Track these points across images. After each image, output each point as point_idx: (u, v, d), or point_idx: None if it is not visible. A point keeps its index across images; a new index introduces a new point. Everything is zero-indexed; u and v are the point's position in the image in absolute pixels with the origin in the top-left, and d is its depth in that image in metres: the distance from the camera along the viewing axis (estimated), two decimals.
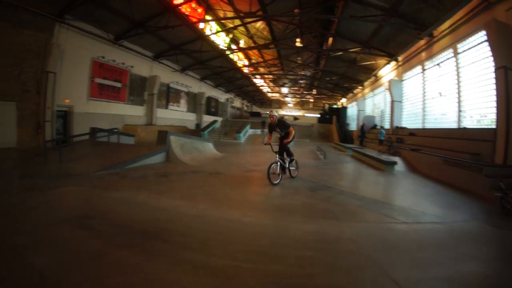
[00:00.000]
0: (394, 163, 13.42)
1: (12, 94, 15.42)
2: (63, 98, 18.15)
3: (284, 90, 55.20)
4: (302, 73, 37.96)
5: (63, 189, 7.40)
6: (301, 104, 73.40)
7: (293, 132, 10.04)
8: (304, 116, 69.89)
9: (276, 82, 49.44)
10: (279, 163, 9.50)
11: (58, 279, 3.21)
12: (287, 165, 10.15)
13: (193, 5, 21.70)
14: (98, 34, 20.08)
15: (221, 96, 49.10)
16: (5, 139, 15.09)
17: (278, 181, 9.25)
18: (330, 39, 23.79)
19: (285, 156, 10.16)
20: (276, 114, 10.29)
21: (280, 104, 74.79)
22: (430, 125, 17.90)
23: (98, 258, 3.68)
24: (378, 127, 27.08)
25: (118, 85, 23.54)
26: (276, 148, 9.99)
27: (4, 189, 7.51)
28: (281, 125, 10.05)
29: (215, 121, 39.31)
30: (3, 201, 6.43)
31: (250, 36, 27.91)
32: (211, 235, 4.72)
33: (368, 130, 28.34)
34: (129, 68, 24.44)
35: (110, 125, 19.88)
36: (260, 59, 36.59)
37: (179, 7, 20.35)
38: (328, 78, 38.67)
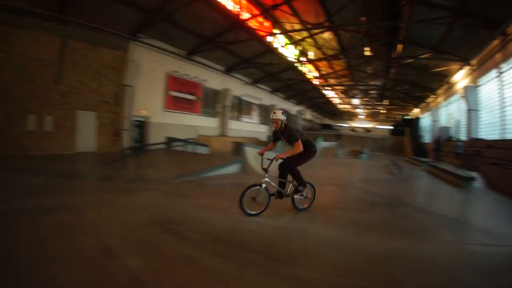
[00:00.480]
0: (472, 178, 12.37)
1: (93, 105, 17.94)
2: (139, 109, 19.94)
3: (355, 101, 53.87)
4: (373, 83, 37.11)
5: (146, 193, 7.84)
6: (373, 116, 70.91)
7: (300, 147, 6.72)
8: (376, 128, 67.63)
9: (347, 93, 48.40)
10: (264, 188, 6.68)
11: (155, 285, 3.20)
12: (287, 193, 7.09)
13: (260, 19, 22.15)
14: (171, 50, 21.75)
15: (292, 108, 49.00)
16: (86, 144, 17.71)
17: (258, 212, 6.57)
18: (399, 46, 23.05)
19: (291, 180, 7.17)
20: (282, 117, 6.89)
21: (351, 116, 72.97)
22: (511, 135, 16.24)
23: (192, 265, 3.69)
24: (453, 139, 25.58)
25: (192, 97, 24.86)
26: (268, 164, 6.99)
27: (89, 189, 8.29)
28: (288, 134, 6.91)
29: None
30: (92, 200, 6.94)
31: (318, 47, 27.68)
32: (296, 247, 4.68)
33: (444, 143, 26.66)
34: (202, 82, 25.73)
35: (184, 135, 21.02)
36: (330, 70, 36.09)
37: (247, 22, 20.83)
38: (399, 88, 37.07)
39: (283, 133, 6.99)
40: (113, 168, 13.09)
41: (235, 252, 4.23)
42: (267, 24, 22.91)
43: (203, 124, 26.82)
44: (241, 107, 33.47)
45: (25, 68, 15.55)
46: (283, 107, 42.03)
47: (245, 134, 32.44)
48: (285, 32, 24.08)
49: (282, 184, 7.15)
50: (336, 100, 55.07)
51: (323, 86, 41.35)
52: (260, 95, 37.02)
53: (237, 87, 31.00)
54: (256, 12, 20.97)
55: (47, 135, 16.66)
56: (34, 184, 8.85)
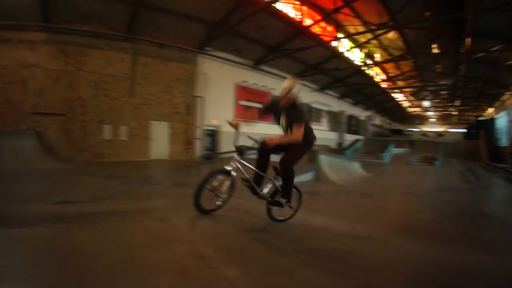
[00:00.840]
0: None
1: (166, 115, 18.92)
2: (210, 118, 20.44)
3: (425, 103, 51.60)
4: (442, 82, 35.28)
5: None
6: (444, 118, 66.28)
7: (301, 134, 4.89)
8: (448, 131, 63.92)
9: (416, 95, 46.37)
10: (232, 175, 5.07)
11: None
12: (263, 194, 5.35)
13: (323, 24, 21.96)
14: (238, 61, 22.15)
15: (361, 114, 47.75)
16: (160, 152, 18.66)
17: (213, 209, 5.26)
18: (467, 40, 21.41)
19: (276, 179, 5.50)
20: (295, 87, 5.05)
21: (422, 119, 69.18)
22: None
23: (290, 276, 3.41)
24: None
25: (261, 106, 24.98)
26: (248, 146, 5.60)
27: (167, 195, 8.51)
28: (294, 113, 5.05)
29: (357, 140, 38.58)
30: (173, 206, 6.82)
31: (384, 48, 27.04)
32: (379, 258, 4.41)
33: None
34: (271, 90, 25.74)
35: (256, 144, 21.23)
36: (398, 72, 34.84)
37: (310, 28, 20.72)
38: (471, 86, 34.11)
39: (288, 111, 5.14)
40: (187, 175, 13.38)
41: (326, 262, 3.94)
42: (330, 28, 22.67)
43: (273, 132, 26.17)
44: (310, 114, 32.95)
45: (100, 83, 17.33)
46: (352, 113, 41.92)
47: (318, 141, 31.76)
48: (349, 36, 23.68)
49: (258, 179, 5.36)
50: (405, 103, 53.03)
51: (392, 89, 40.02)
52: (328, 101, 36.31)
53: (306, 94, 30.50)
54: (318, 17, 20.77)
55: (122, 144, 18.17)
56: (112, 188, 9.29)
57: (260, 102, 24.60)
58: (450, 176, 17.30)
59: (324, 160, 14.18)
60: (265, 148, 5.30)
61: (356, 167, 16.73)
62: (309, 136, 5.22)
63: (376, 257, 4.37)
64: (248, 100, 24.21)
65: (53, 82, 16.41)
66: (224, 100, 22.37)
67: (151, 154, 18.90)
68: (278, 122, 5.44)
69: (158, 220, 5.00)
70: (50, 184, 10.11)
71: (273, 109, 5.49)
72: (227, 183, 5.09)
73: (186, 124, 19.84)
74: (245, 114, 23.54)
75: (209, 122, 20.71)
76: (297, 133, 4.86)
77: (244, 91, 23.90)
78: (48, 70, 16.33)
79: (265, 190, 5.38)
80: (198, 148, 19.94)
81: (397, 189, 11.86)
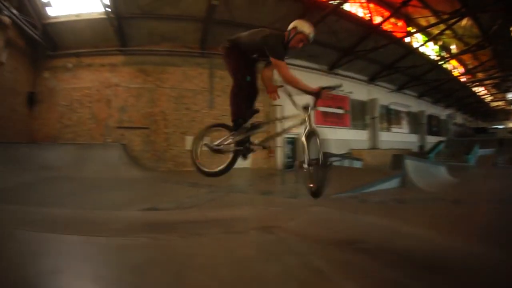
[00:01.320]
0: None
1: None
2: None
3: (510, 95, 47.89)
4: None
5: (314, 208, 7.09)
6: None
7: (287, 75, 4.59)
8: None
9: (498, 87, 43.05)
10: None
11: None
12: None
13: (393, 20, 21.45)
14: (313, 67, 21.95)
15: (441, 113, 44.72)
16: (242, 161, 17.64)
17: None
18: None
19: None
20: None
21: (507, 114, 61.18)
22: None
23: None
24: None
25: (341, 111, 24.72)
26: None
27: (255, 203, 8.55)
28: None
29: (440, 142, 36.90)
30: (265, 215, 6.87)
31: (459, 37, 25.28)
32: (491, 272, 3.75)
33: None
34: (348, 94, 25.42)
35: (337, 149, 20.81)
36: (476, 63, 32.34)
37: (381, 26, 20.33)
38: None
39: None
40: (271, 183, 13.48)
41: (433, 277, 3.45)
42: (400, 24, 22.15)
43: (353, 137, 26.19)
44: (389, 117, 31.75)
45: (180, 98, 18.34)
46: (431, 112, 39.89)
47: (396, 145, 29.88)
48: (421, 29, 22.88)
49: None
50: (487, 97, 49.68)
51: (471, 82, 37.49)
52: (407, 102, 34.33)
53: (383, 96, 29.63)
54: (386, 14, 20.35)
55: (204, 153, 17.75)
56: (198, 196, 9.80)
57: (339, 107, 24.50)
58: None
59: (411, 165, 13.27)
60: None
61: (442, 172, 15.55)
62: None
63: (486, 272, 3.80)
64: (328, 106, 23.78)
65: (135, 99, 18.00)
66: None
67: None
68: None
69: (265, 231, 4.67)
70: (137, 192, 10.62)
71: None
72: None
73: (266, 133, 19.18)
74: (325, 119, 23.41)
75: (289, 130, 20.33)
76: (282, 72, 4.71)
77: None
78: (129, 89, 18.04)
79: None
80: (279, 156, 19.86)
81: (488, 196, 10.70)
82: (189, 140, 17.60)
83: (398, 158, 13.94)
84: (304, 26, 4.51)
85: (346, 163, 17.00)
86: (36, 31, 16.26)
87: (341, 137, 24.09)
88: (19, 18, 14.82)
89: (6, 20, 13.83)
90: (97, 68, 18.37)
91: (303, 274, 3.24)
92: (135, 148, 17.52)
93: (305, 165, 4.47)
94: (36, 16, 16.08)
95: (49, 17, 16.80)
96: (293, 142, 21.18)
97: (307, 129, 4.61)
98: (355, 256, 3.93)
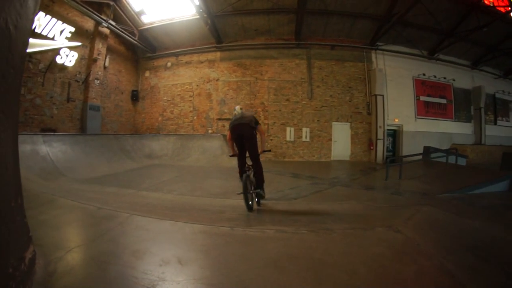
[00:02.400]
0: None
1: (346, 116, 19.04)
2: (392, 117, 19.53)
3: None
4: None
5: (422, 208, 6.49)
6: None
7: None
8: None
9: None
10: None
11: None
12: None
13: None
14: (412, 53, 20.44)
15: None
16: (342, 153, 19.01)
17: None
18: None
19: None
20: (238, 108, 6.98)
21: None
22: None
23: None
24: None
25: (443, 101, 22.89)
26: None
27: (364, 199, 8.18)
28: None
29: None
30: (381, 214, 6.40)
31: None
32: None
33: None
34: (451, 82, 23.75)
35: (438, 144, 19.58)
36: None
37: (481, 1, 17.91)
38: None
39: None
40: (374, 178, 12.83)
41: None
42: None
43: (456, 130, 23.48)
44: (496, 107, 27.00)
45: (280, 89, 18.79)
46: None
47: (504, 141, 25.97)
48: None
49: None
50: None
51: None
52: None
53: (489, 83, 25.61)
54: None
55: (304, 144, 19.02)
56: (301, 187, 9.77)
57: (441, 96, 22.91)
58: None
59: None
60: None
61: None
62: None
63: None
64: (429, 95, 21.91)
65: (235, 92, 18.86)
66: (404, 96, 20.76)
67: (333, 155, 19.04)
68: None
69: (391, 229, 4.56)
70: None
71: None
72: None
73: (367, 124, 19.42)
74: (426, 110, 21.99)
75: (390, 121, 19.68)
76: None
77: (423, 85, 21.82)
78: (229, 82, 18.89)
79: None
80: (380, 149, 18.92)
81: None
82: (289, 131, 18.28)
83: (509, 157, 12.62)
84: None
85: (451, 159, 15.79)
86: (134, 37, 18.16)
87: (444, 130, 22.22)
88: (117, 28, 16.72)
89: (106, 30, 16.26)
90: (195, 65, 19.63)
91: (439, 277, 3.10)
92: None
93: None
94: (132, 24, 18.05)
95: (144, 23, 18.44)
96: (393, 134, 20.26)
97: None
98: (479, 263, 3.61)
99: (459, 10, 18.20)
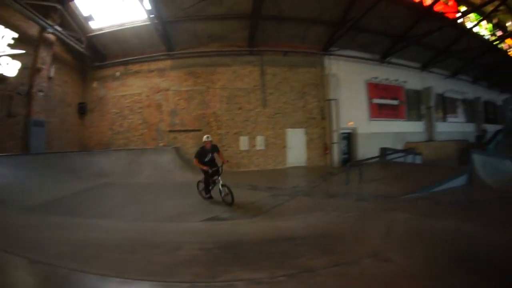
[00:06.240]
0: None
1: (301, 122, 19.15)
2: (346, 121, 19.75)
3: None
4: None
5: (391, 214, 6.59)
6: None
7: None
8: None
9: None
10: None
11: None
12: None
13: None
14: (365, 57, 21.14)
15: (497, 98, 42.50)
16: (297, 159, 19.24)
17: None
18: None
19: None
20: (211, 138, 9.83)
21: None
22: None
23: None
24: None
25: (396, 102, 23.55)
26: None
27: (328, 209, 8.01)
28: (214, 148, 10.03)
29: (498, 131, 34.70)
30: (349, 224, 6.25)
31: None
32: None
33: None
34: (402, 84, 24.25)
35: (393, 143, 20.06)
36: None
37: (432, 7, 19.13)
38: None
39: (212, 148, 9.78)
40: (334, 183, 12.80)
41: None
42: (450, 3, 20.73)
43: (409, 129, 24.55)
44: (445, 106, 29.43)
45: (232, 97, 18.56)
46: (487, 99, 37.60)
47: (453, 136, 28.08)
48: (474, 8, 21.41)
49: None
50: None
51: None
52: (462, 88, 31.57)
53: (438, 83, 27.52)
54: None
55: (260, 153, 18.72)
56: (263, 201, 9.71)
57: (394, 98, 23.32)
58: None
59: (479, 160, 12.18)
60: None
61: (508, 166, 14.31)
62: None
63: None
64: (382, 97, 22.64)
65: (186, 102, 18.40)
66: (357, 100, 21.24)
67: (288, 162, 18.93)
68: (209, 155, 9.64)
69: (379, 258, 3.96)
70: (194, 199, 10.06)
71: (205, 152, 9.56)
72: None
73: (322, 129, 19.43)
74: (379, 112, 22.45)
75: (345, 125, 19.92)
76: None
77: (376, 88, 22.44)
78: (179, 92, 18.41)
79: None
80: (336, 153, 19.19)
81: None
82: (243, 140, 18.10)
83: (464, 153, 13.27)
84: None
85: (403, 159, 16.02)
86: (81, 44, 17.04)
87: (397, 130, 23.03)
88: (64, 34, 15.58)
89: (51, 37, 14.95)
90: (145, 74, 18.88)
91: None
92: (189, 151, 17.24)
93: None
94: (80, 30, 16.81)
95: (92, 30, 17.40)
96: (348, 137, 20.54)
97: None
98: (473, 277, 3.26)
99: (411, 15, 19.11)
